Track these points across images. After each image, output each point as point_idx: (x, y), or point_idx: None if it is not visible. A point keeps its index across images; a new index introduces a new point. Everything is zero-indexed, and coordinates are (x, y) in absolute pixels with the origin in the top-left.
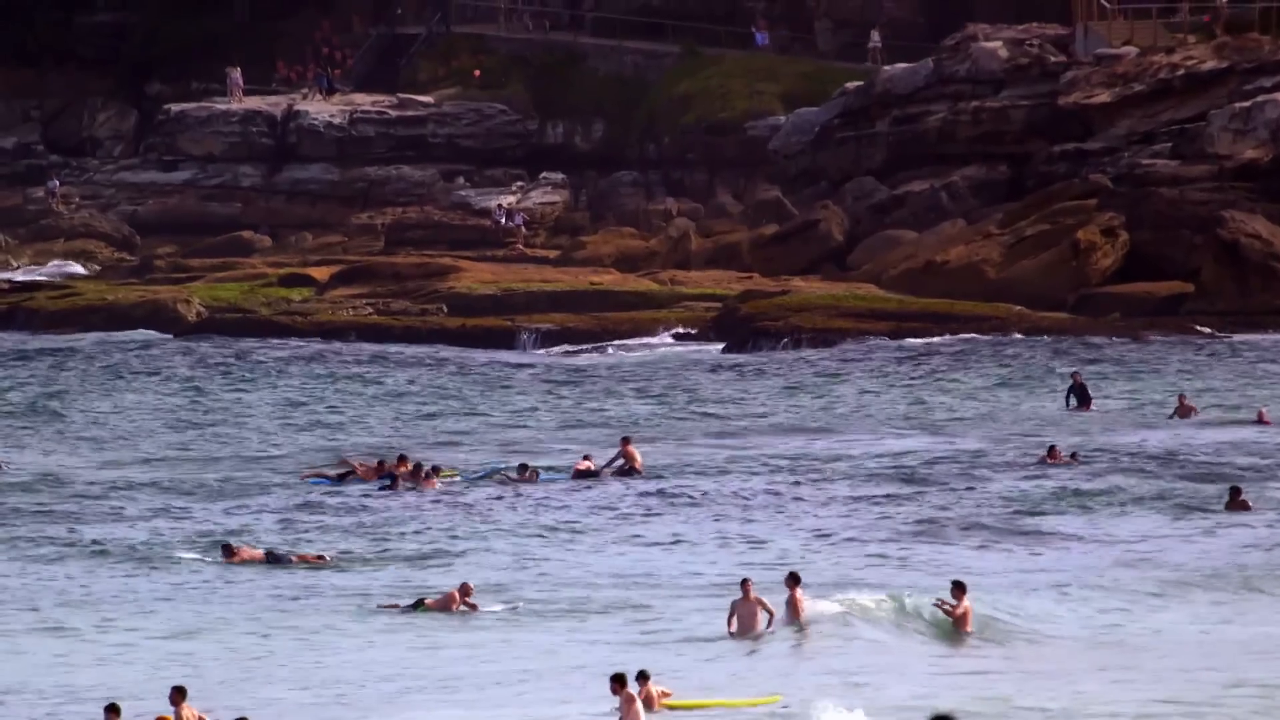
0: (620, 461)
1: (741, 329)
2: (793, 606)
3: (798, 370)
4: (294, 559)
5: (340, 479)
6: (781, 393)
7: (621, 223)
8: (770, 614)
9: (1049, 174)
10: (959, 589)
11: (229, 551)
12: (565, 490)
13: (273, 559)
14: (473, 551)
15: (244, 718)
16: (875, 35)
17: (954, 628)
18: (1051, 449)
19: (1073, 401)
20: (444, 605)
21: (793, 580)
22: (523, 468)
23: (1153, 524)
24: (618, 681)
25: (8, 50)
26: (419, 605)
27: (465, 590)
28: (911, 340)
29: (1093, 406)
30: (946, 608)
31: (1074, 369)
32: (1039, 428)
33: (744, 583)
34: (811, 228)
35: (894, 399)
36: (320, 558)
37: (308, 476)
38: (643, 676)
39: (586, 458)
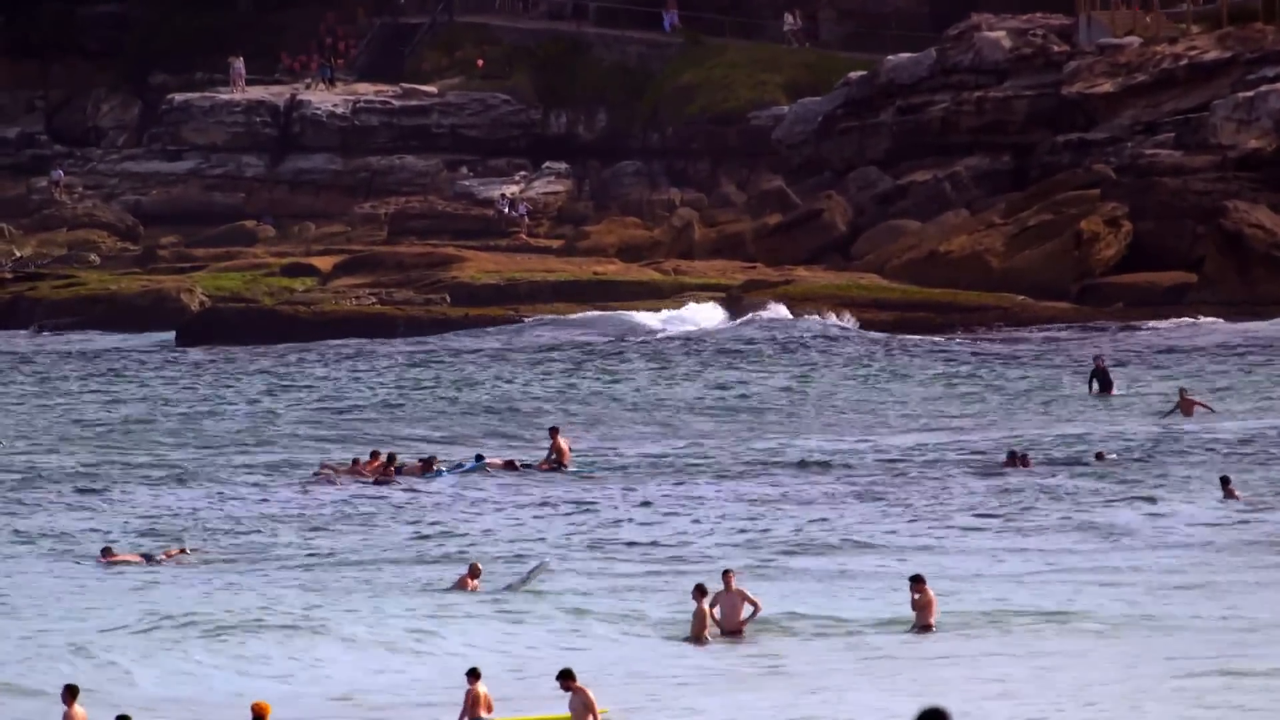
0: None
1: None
2: (701, 619)
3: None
4: (162, 556)
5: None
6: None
7: (625, 213)
8: (755, 605)
9: (1052, 164)
10: (918, 581)
11: (106, 554)
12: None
13: (148, 559)
14: (460, 539)
15: None
16: (789, 18)
17: (917, 620)
18: (1011, 454)
19: (1095, 386)
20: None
21: (699, 592)
22: (478, 458)
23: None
24: (567, 677)
25: (12, 41)
26: None
27: (474, 571)
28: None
29: (1114, 391)
30: (914, 597)
31: (1097, 353)
32: (1055, 416)
33: (725, 574)
34: (815, 218)
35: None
36: (182, 551)
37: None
38: (474, 674)
39: (479, 457)
